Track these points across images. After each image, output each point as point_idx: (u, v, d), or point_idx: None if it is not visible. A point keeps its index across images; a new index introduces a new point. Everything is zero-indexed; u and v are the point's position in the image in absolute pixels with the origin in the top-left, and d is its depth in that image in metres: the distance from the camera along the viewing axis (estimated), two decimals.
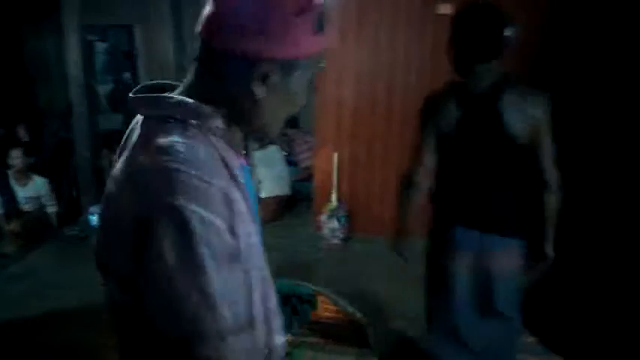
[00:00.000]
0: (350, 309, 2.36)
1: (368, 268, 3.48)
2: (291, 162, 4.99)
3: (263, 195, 4.45)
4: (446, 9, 3.86)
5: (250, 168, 0.91)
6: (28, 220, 4.06)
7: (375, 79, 3.88)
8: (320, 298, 2.50)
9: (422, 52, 3.81)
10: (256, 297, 0.73)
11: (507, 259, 1.83)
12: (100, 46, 6.98)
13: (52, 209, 4.29)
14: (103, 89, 6.78)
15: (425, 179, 1.80)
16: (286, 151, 5.06)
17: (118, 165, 0.77)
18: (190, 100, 0.77)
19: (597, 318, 2.91)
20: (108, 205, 0.77)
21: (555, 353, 2.59)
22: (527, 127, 1.67)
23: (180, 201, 0.65)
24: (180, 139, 0.71)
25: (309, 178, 4.76)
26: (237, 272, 0.69)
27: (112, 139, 5.01)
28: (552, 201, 1.81)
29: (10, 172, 4.07)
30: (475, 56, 1.68)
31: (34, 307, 2.98)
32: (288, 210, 4.65)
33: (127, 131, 0.88)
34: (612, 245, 3.46)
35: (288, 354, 1.99)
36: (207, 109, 0.76)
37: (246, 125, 0.82)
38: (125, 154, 0.78)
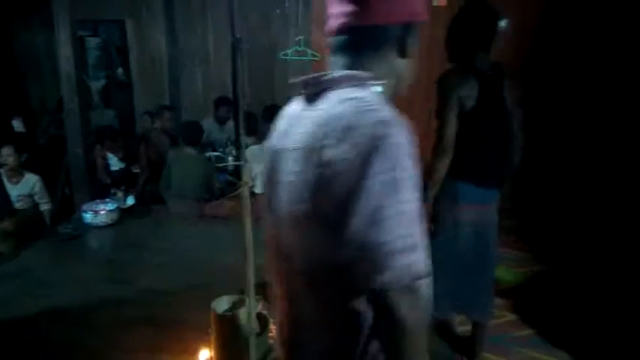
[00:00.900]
0: None
1: None
2: None
3: (259, 191, 4.42)
4: (440, 1, 3.83)
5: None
6: (21, 218, 4.02)
7: None
8: None
9: None
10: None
11: (496, 208, 2.26)
12: (92, 42, 6.90)
13: (45, 207, 4.25)
14: (96, 85, 6.71)
15: (453, 144, 2.06)
16: None
17: (300, 134, 0.93)
18: (358, 72, 0.95)
19: (594, 311, 2.91)
20: (304, 161, 0.90)
21: (553, 345, 2.58)
22: (510, 100, 2.16)
23: (388, 131, 0.82)
24: (365, 94, 0.90)
25: None
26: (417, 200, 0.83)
27: (105, 135, 4.96)
28: (517, 158, 2.24)
29: (2, 171, 4.03)
30: (478, 46, 2.08)
31: (28, 306, 2.95)
32: None
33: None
34: (607, 239, 3.46)
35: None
36: (369, 74, 0.95)
37: (394, 86, 1.01)
38: (305, 126, 0.93)
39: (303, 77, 1.00)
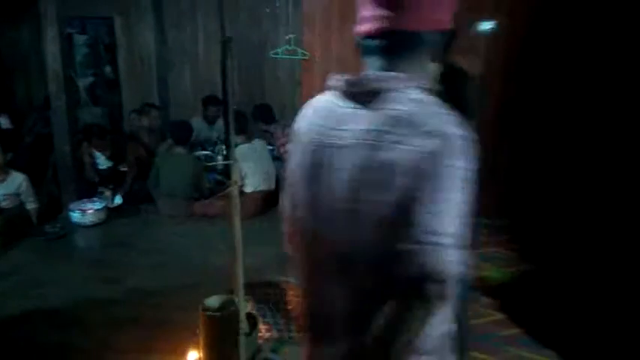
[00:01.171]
0: None
1: None
2: (275, 157, 4.96)
3: (248, 190, 4.41)
4: None
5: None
6: (7, 217, 3.97)
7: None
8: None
9: None
10: None
11: None
12: (80, 39, 6.83)
13: (31, 206, 4.19)
14: (83, 82, 6.64)
15: None
16: (270, 146, 5.03)
17: (354, 131, 0.96)
18: (410, 74, 0.98)
19: (582, 309, 2.94)
20: (367, 156, 0.92)
21: (540, 344, 2.61)
22: None
23: (455, 130, 0.88)
24: (427, 96, 0.94)
25: None
26: None
27: (92, 133, 4.91)
28: None
29: None
30: None
31: (15, 306, 2.92)
32: (274, 204, 4.61)
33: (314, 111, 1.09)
34: (595, 239, 3.50)
35: (273, 350, 1.97)
36: (422, 77, 0.99)
37: (432, 86, 1.01)
38: (363, 121, 0.95)
39: (347, 76, 1.03)
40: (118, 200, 4.58)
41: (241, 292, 1.97)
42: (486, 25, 3.96)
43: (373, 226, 0.92)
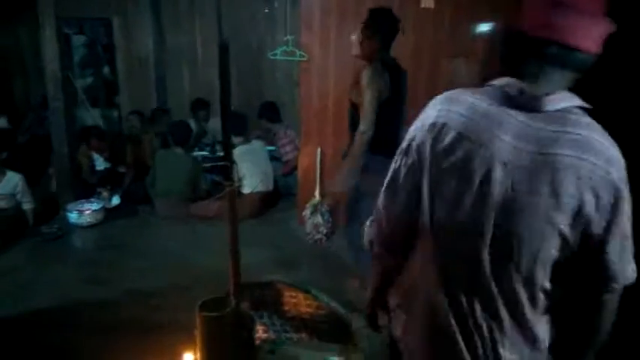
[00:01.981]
0: (333, 305, 2.34)
1: (351, 263, 3.47)
2: (274, 157, 4.96)
3: (246, 191, 4.41)
4: (428, 3, 3.85)
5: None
6: (3, 218, 3.95)
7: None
8: (301, 294, 2.48)
9: (404, 45, 3.79)
10: None
11: None
12: (78, 40, 6.82)
13: (27, 206, 4.17)
14: (82, 83, 6.62)
15: None
16: (272, 146, 5.03)
17: (524, 142, 0.98)
18: (580, 100, 1.02)
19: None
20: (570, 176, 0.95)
21: None
22: None
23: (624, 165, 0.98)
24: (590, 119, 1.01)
25: (291, 171, 4.72)
26: None
27: (91, 135, 4.90)
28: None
29: None
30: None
31: (10, 308, 2.91)
32: (271, 205, 4.61)
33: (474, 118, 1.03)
34: None
35: (271, 351, 1.96)
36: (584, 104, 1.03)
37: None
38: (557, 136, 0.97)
39: (521, 85, 1.01)
40: (116, 201, 4.57)
41: (238, 293, 1.96)
42: (484, 27, 3.96)
43: (553, 242, 0.99)
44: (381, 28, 2.69)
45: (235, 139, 4.47)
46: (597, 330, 1.10)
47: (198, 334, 2.17)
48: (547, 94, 0.98)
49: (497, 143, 0.98)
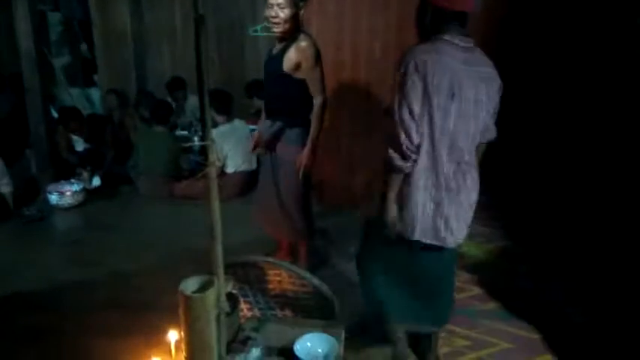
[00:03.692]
0: (316, 282, 2.36)
1: (334, 240, 3.50)
2: None
3: (229, 170, 4.38)
4: None
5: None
6: None
7: (340, 49, 3.82)
8: (285, 272, 2.50)
9: (387, 21, 3.76)
10: None
11: None
12: (54, 17, 6.60)
13: (6, 189, 4.10)
14: (59, 62, 6.45)
15: None
16: (254, 125, 4.97)
17: (476, 68, 1.84)
18: None
19: (558, 284, 3.01)
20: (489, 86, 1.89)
21: (517, 317, 2.67)
22: None
23: None
24: None
25: None
26: None
27: (68, 117, 4.79)
28: None
29: None
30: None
31: None
32: (255, 184, 4.59)
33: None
34: (575, 217, 3.56)
35: (255, 329, 1.98)
36: None
37: None
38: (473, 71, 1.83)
39: (460, 38, 1.80)
40: (97, 182, 4.51)
41: (221, 271, 1.96)
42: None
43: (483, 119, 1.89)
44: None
45: (218, 118, 4.41)
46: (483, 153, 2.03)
47: (181, 313, 2.18)
48: (467, 37, 1.83)
49: (459, 72, 1.77)
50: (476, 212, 2.00)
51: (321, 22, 3.80)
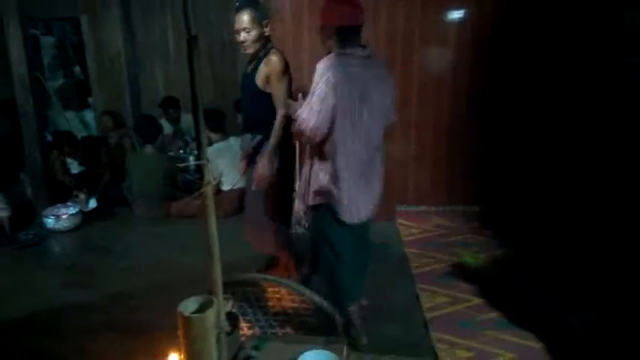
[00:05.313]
0: (316, 298, 2.34)
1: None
2: None
3: (225, 188, 4.38)
4: None
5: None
6: None
7: None
8: (283, 289, 2.49)
9: (376, 35, 3.81)
10: None
11: None
12: (47, 41, 6.65)
13: (3, 214, 4.09)
14: (53, 85, 6.47)
15: None
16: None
17: (366, 74, 2.22)
18: None
19: (556, 292, 3.01)
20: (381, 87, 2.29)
21: (518, 326, 2.66)
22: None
23: None
24: None
25: None
26: None
27: (63, 141, 4.79)
28: None
29: None
30: None
31: None
32: None
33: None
34: (570, 224, 3.57)
35: (255, 347, 1.97)
36: None
37: None
38: (366, 73, 2.23)
39: (359, 49, 2.22)
40: (93, 204, 4.50)
41: (220, 291, 1.95)
42: (456, 14, 3.99)
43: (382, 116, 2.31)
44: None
45: (213, 136, 4.42)
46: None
47: (181, 334, 2.16)
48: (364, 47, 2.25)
49: (361, 79, 2.18)
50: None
51: (314, 36, 3.84)
